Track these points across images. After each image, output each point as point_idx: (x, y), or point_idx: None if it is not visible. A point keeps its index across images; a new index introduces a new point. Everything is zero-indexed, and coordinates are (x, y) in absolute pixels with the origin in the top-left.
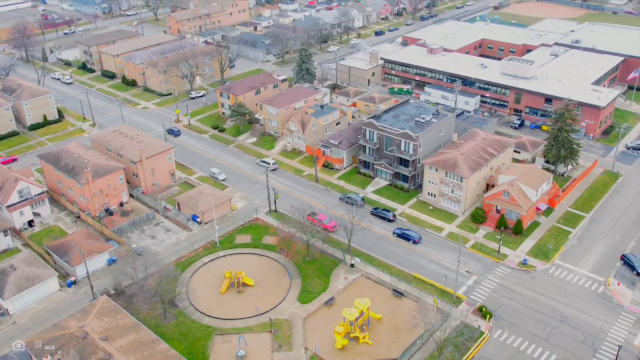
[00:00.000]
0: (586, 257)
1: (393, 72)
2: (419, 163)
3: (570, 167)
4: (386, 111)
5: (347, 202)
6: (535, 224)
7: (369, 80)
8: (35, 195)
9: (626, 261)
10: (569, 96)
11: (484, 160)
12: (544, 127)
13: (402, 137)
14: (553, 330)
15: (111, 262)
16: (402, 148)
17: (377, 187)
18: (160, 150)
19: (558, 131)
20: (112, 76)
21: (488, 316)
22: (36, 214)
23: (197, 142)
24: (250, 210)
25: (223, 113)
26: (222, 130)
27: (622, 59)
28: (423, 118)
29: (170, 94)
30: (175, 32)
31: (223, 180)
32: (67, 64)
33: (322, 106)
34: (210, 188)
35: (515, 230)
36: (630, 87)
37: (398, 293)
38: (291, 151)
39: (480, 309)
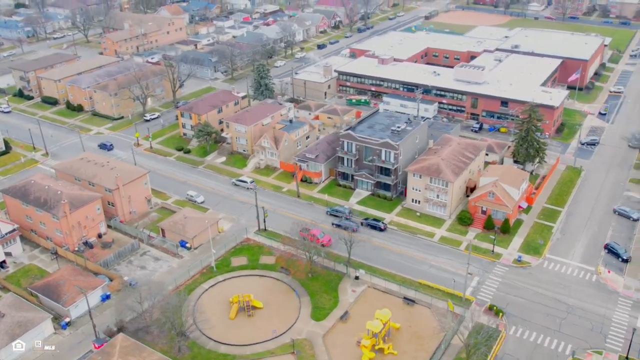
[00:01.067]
0: (573, 249)
1: (348, 83)
2: (400, 171)
3: (537, 165)
4: (359, 122)
5: (334, 215)
6: (519, 222)
7: (325, 92)
8: (6, 234)
9: (610, 249)
10: (533, 99)
11: (464, 164)
12: (502, 129)
13: (382, 147)
14: (562, 321)
15: (105, 298)
16: (383, 157)
17: (360, 198)
18: (136, 176)
19: (526, 132)
20: (54, 102)
21: (500, 314)
22: (7, 254)
23: (164, 165)
24: (238, 231)
25: (184, 134)
26: (188, 152)
27: (560, 61)
28: (398, 127)
29: (122, 117)
30: (112, 54)
31: (202, 202)
32: (1, 91)
33: (290, 121)
34: (194, 212)
35: (503, 229)
36: (570, 87)
37: (409, 301)
38: (265, 168)
39: (491, 308)
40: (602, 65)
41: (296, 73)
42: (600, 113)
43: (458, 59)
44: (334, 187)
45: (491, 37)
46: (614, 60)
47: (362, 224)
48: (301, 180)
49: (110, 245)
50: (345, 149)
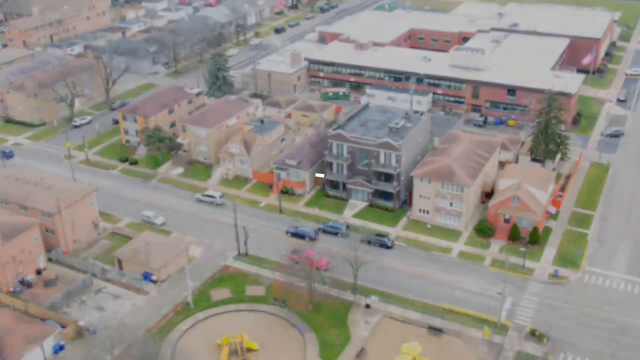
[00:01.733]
0: (615, 259)
1: (321, 74)
2: (403, 176)
3: (558, 162)
4: (349, 119)
5: (329, 233)
6: (547, 230)
7: (295, 85)
8: None
9: None
10: (553, 86)
11: (480, 164)
12: (511, 122)
13: (381, 148)
14: (617, 344)
15: (58, 349)
16: (383, 160)
17: (355, 211)
18: (80, 196)
19: (546, 124)
20: None
21: (545, 340)
22: None
23: (107, 180)
24: (213, 258)
25: (128, 141)
26: (135, 163)
27: (568, 40)
28: (396, 123)
29: (44, 123)
30: (21, 45)
31: (162, 224)
32: None
33: (262, 121)
34: (156, 236)
35: (532, 240)
36: (581, 71)
37: (436, 330)
38: (234, 179)
39: (532, 333)
40: (613, 45)
41: (258, 63)
42: (619, 100)
43: (448, 42)
44: (322, 199)
45: (482, 14)
46: (624, 38)
47: (369, 242)
48: (282, 192)
49: (54, 283)
50: (335, 152)
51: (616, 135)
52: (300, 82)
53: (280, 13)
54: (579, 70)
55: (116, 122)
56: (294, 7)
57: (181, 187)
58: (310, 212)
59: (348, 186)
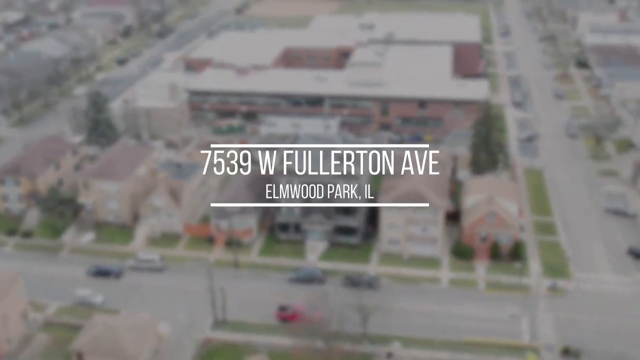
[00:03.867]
0: (596, 262)
1: (206, 105)
2: (362, 207)
3: (500, 172)
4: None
5: (303, 282)
6: (521, 244)
7: (179, 121)
8: None
9: (638, 255)
10: (484, 96)
11: (443, 183)
12: (428, 137)
13: (338, 180)
14: None
15: None
16: (341, 193)
17: (319, 253)
18: (8, 284)
19: (487, 134)
20: None
21: (580, 355)
22: None
23: (1, 261)
24: (186, 331)
25: (7, 209)
26: (29, 234)
27: (450, 47)
28: (341, 151)
29: None
30: None
31: (103, 303)
32: None
33: (179, 165)
34: (112, 318)
35: (516, 255)
36: (469, 77)
37: None
38: (162, 237)
39: (566, 351)
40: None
41: (131, 100)
42: (515, 102)
43: (328, 59)
44: (274, 245)
45: (343, 27)
46: (487, 41)
47: (369, 285)
48: (227, 243)
49: None
50: (285, 190)
51: (531, 139)
52: (182, 116)
53: (113, 42)
54: (466, 77)
55: None
56: (126, 33)
57: (102, 256)
58: (271, 262)
59: (304, 227)
